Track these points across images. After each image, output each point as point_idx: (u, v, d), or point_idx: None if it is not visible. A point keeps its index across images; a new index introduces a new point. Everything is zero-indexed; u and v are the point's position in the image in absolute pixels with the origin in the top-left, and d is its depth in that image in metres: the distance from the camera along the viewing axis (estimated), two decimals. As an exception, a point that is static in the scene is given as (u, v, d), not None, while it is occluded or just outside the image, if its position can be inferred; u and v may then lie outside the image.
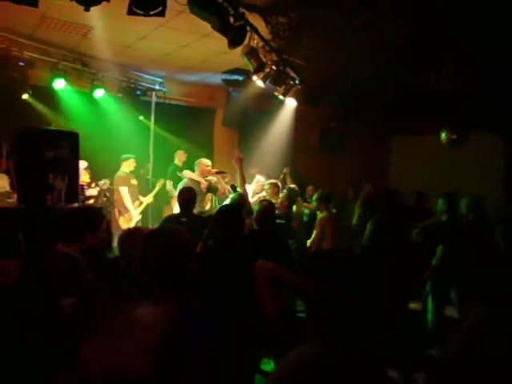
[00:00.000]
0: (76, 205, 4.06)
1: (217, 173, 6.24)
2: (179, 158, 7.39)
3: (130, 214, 6.54)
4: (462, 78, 5.94)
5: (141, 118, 7.88)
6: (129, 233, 2.88)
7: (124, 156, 6.80)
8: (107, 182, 6.08)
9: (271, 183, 6.20)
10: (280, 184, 6.32)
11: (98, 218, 2.92)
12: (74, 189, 3.99)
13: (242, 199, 4.72)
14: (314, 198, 5.55)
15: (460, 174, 7.28)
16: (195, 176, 6.07)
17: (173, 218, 4.55)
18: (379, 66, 5.81)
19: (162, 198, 7.25)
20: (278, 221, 5.21)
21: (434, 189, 5.65)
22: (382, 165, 9.10)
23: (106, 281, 2.58)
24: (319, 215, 5.45)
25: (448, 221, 4.79)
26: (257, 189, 6.78)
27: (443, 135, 7.12)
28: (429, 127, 7.35)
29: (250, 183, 7.28)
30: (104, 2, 3.43)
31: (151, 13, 3.60)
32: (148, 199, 6.92)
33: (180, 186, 5.73)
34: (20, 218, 3.44)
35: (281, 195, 5.86)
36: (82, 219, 2.79)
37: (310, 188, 7.29)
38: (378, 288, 1.49)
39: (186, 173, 6.16)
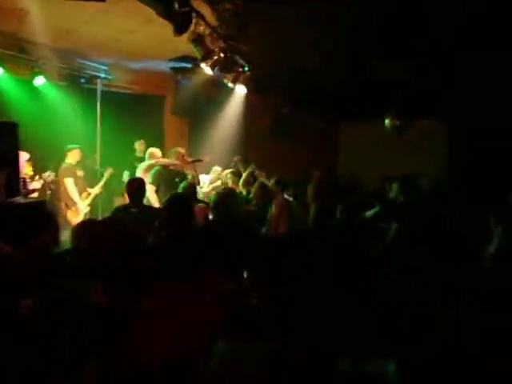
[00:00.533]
0: (20, 199, 3.90)
1: (193, 161, 6.14)
2: (139, 148, 7.28)
3: (78, 206, 6.33)
4: (407, 67, 6.14)
5: (80, 107, 7.46)
6: (82, 225, 2.82)
7: (68, 146, 6.55)
8: (51, 174, 5.85)
9: (232, 172, 6.18)
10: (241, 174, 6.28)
11: (43, 217, 2.80)
12: (16, 182, 3.82)
13: (191, 187, 4.70)
14: (271, 183, 5.58)
15: (407, 158, 7.57)
16: (170, 161, 5.89)
17: (122, 208, 4.45)
18: (328, 53, 5.91)
19: (112, 188, 7.06)
20: (251, 207, 5.16)
21: (381, 173, 5.85)
22: (332, 151, 9.31)
23: (56, 277, 2.51)
24: (274, 200, 5.48)
25: (403, 202, 4.93)
26: (213, 178, 6.72)
27: (387, 121, 7.38)
28: (376, 113, 7.58)
29: (207, 173, 7.24)
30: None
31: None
32: (96, 190, 6.71)
33: (151, 175, 5.62)
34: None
35: (252, 188, 5.79)
36: (27, 220, 2.68)
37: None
38: (326, 269, 1.53)
39: (160, 161, 5.99)
